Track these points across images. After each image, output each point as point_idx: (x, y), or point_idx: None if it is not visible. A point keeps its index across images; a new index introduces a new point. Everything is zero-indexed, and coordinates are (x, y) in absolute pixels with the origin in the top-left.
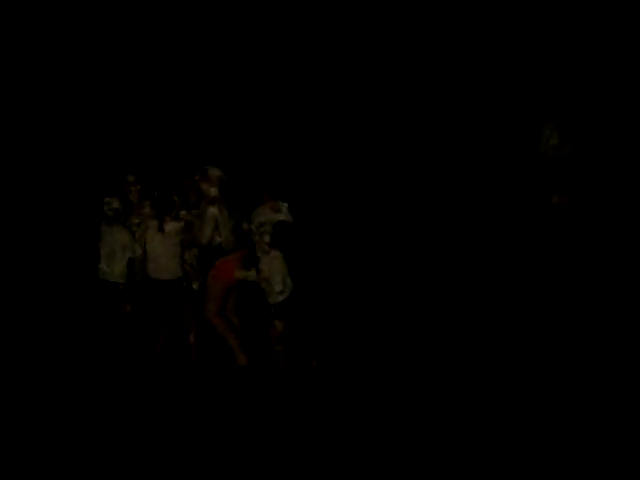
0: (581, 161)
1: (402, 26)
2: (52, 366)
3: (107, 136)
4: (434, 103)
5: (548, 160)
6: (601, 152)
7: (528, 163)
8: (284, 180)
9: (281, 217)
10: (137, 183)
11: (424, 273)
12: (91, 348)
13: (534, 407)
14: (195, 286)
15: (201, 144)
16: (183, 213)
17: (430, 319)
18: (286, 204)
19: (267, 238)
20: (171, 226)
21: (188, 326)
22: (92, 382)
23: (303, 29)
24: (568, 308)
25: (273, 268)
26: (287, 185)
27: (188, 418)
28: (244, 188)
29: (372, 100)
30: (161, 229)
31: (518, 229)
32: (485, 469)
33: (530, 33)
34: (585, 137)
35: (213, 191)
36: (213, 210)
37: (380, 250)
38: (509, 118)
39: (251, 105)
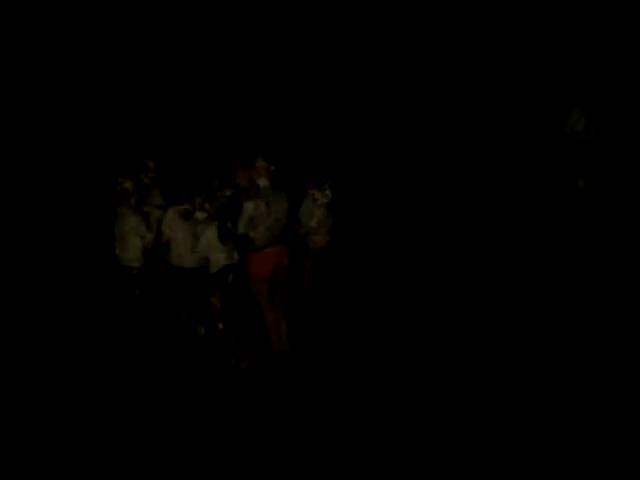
0: (605, 147)
1: (429, 11)
2: (64, 351)
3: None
4: (463, 83)
5: (572, 143)
6: (628, 141)
7: (553, 145)
8: (329, 171)
9: (315, 211)
10: (155, 170)
11: (450, 252)
12: (105, 333)
13: (534, 407)
14: (212, 270)
15: (244, 134)
16: (210, 203)
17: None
18: (325, 199)
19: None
20: (197, 215)
21: (200, 317)
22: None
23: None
24: (591, 294)
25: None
26: (332, 176)
27: (191, 413)
28: (291, 181)
29: (398, 86)
30: (186, 216)
31: (540, 211)
32: (485, 469)
33: (565, 16)
34: (612, 125)
35: (262, 181)
36: (248, 206)
37: (403, 234)
38: (539, 98)
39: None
